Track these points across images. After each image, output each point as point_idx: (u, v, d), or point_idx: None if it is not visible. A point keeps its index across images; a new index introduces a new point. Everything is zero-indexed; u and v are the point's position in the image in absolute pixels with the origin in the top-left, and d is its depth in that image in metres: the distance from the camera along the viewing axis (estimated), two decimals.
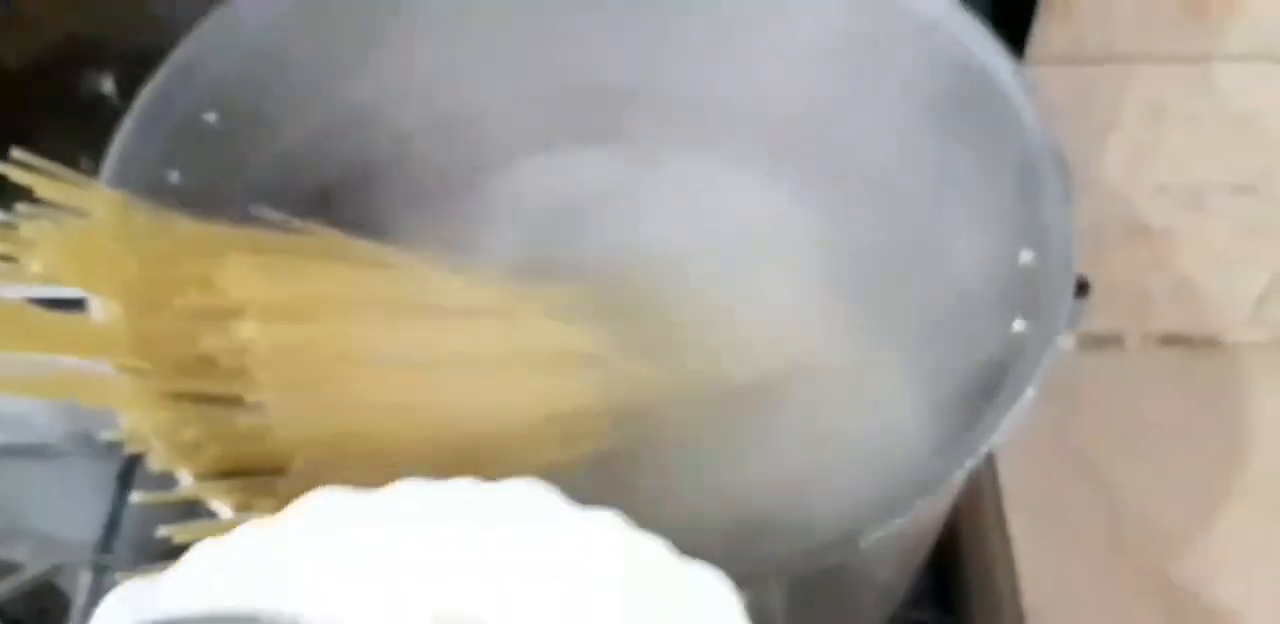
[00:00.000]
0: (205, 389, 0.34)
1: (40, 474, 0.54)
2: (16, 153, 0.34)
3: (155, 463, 0.32)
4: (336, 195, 0.47)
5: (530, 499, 0.27)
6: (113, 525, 0.52)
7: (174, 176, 0.41)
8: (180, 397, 0.34)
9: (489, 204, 0.51)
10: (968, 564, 0.50)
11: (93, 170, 0.39)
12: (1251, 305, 0.66)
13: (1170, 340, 0.68)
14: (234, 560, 0.27)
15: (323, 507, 0.28)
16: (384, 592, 0.26)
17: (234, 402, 0.35)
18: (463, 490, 0.27)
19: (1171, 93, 0.56)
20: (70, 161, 0.40)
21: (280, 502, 0.28)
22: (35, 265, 0.32)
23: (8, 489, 0.54)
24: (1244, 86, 0.55)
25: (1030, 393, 0.33)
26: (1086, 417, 0.65)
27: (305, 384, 0.36)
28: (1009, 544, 0.52)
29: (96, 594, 0.50)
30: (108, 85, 0.45)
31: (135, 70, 0.41)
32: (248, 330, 0.34)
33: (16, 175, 0.34)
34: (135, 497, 0.33)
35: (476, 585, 0.26)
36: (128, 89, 0.41)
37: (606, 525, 0.26)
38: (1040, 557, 0.57)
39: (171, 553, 0.50)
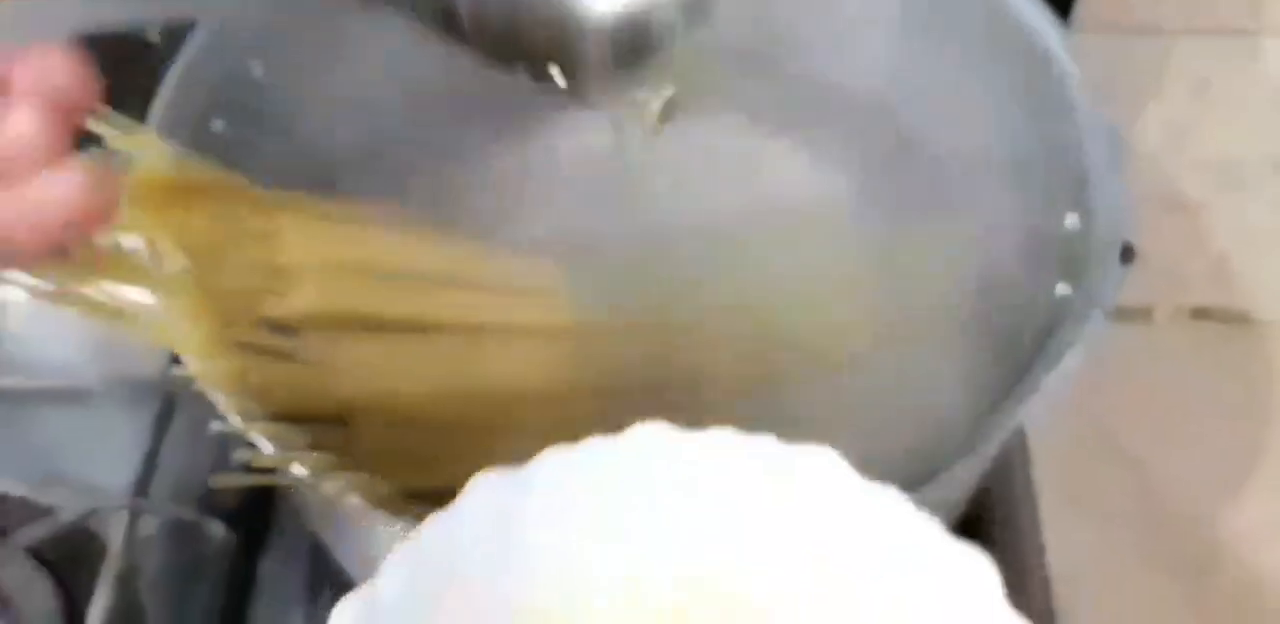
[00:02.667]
0: (264, 342, 0.34)
1: (75, 419, 0.55)
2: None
3: (225, 405, 0.32)
4: (377, 149, 0.48)
5: (822, 465, 0.25)
6: (148, 469, 0.52)
7: (218, 125, 0.41)
8: (243, 345, 0.34)
9: (517, 169, 0.51)
10: (995, 539, 0.50)
11: (138, 117, 0.39)
12: None
13: (1201, 315, 0.67)
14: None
15: (646, 438, 0.26)
16: (638, 545, 0.25)
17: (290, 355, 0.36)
18: (765, 445, 0.25)
19: (1215, 67, 0.55)
20: (118, 106, 0.40)
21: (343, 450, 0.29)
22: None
23: (43, 434, 0.55)
24: None
25: (1075, 355, 0.33)
26: (1114, 390, 0.65)
27: (352, 345, 0.37)
28: (1037, 519, 0.52)
29: (132, 539, 0.50)
30: (154, 34, 0.45)
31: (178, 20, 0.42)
32: (306, 297, 0.34)
33: (90, 125, 0.34)
34: (215, 425, 0.33)
35: (731, 550, 0.25)
36: (173, 38, 0.41)
37: (888, 500, 0.25)
38: (1067, 530, 0.57)
39: (208, 497, 0.52)
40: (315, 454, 0.33)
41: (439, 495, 0.28)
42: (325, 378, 0.36)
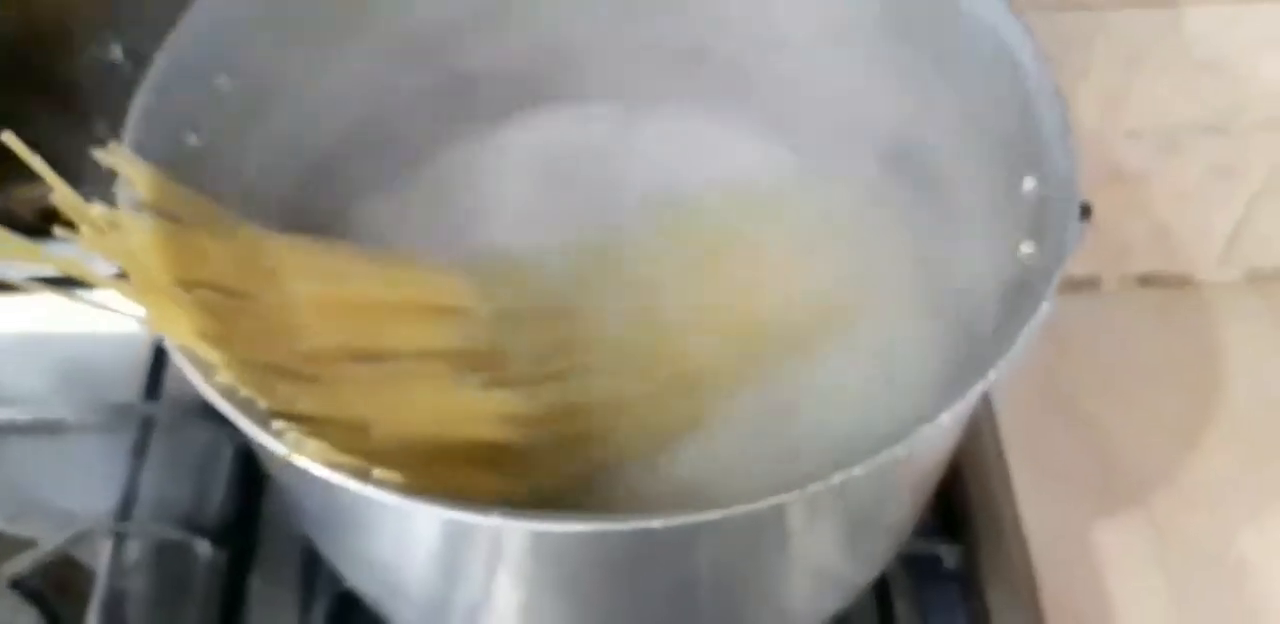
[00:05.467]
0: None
1: (50, 449, 0.54)
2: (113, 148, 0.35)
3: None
4: (341, 153, 0.48)
5: None
6: (130, 493, 0.52)
7: (193, 139, 0.41)
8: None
9: (484, 160, 0.52)
10: (971, 498, 0.52)
11: (107, 135, 0.39)
12: (1223, 244, 0.67)
13: (1147, 281, 0.70)
14: None
15: None
16: None
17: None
18: None
19: (1144, 39, 0.57)
20: (84, 128, 0.41)
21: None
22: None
23: (20, 466, 0.54)
24: (1212, 30, 0.57)
25: (1046, 306, 0.34)
26: (1069, 358, 0.67)
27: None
28: (1009, 478, 0.54)
29: (118, 564, 0.50)
30: (116, 53, 0.45)
31: (141, 38, 0.42)
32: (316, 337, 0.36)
33: (119, 167, 0.34)
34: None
35: None
36: (136, 57, 0.42)
37: None
38: (1033, 497, 0.58)
39: (192, 516, 0.51)
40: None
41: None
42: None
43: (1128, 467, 0.63)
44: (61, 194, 0.33)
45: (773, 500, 0.30)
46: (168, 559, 0.51)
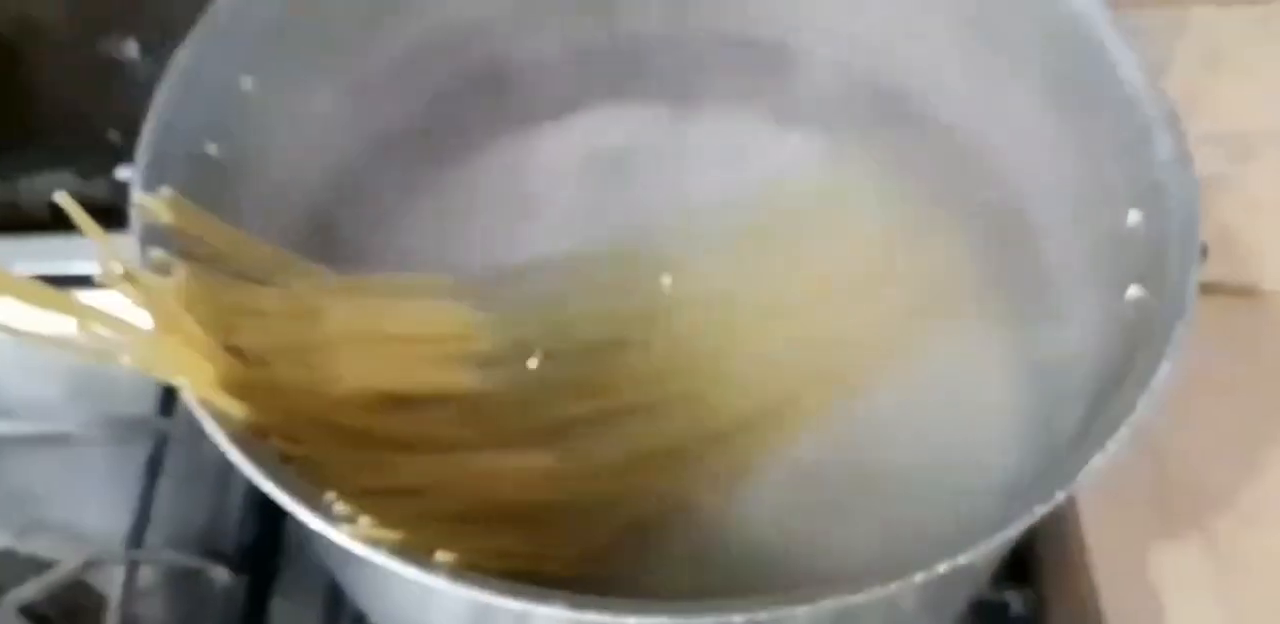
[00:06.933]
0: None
1: (61, 465, 0.51)
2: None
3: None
4: (374, 158, 0.45)
5: None
6: (143, 514, 0.49)
7: (212, 149, 0.38)
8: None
9: (524, 163, 0.49)
10: (1039, 542, 0.49)
11: (121, 142, 0.36)
12: None
13: (1211, 290, 0.66)
14: None
15: None
16: None
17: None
18: None
19: (1227, 37, 0.54)
20: (99, 134, 0.37)
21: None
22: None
23: (28, 481, 0.51)
24: None
25: (1166, 366, 0.31)
26: None
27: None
28: (1079, 522, 0.51)
29: (131, 590, 0.47)
30: (132, 51, 0.41)
31: (159, 36, 0.38)
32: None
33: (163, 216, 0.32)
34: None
35: None
36: (154, 55, 0.38)
37: None
38: (1085, 508, 0.56)
39: (210, 539, 0.49)
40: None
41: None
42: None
43: (1187, 485, 0.61)
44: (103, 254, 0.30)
45: (879, 590, 0.26)
46: (184, 584, 0.49)
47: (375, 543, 0.28)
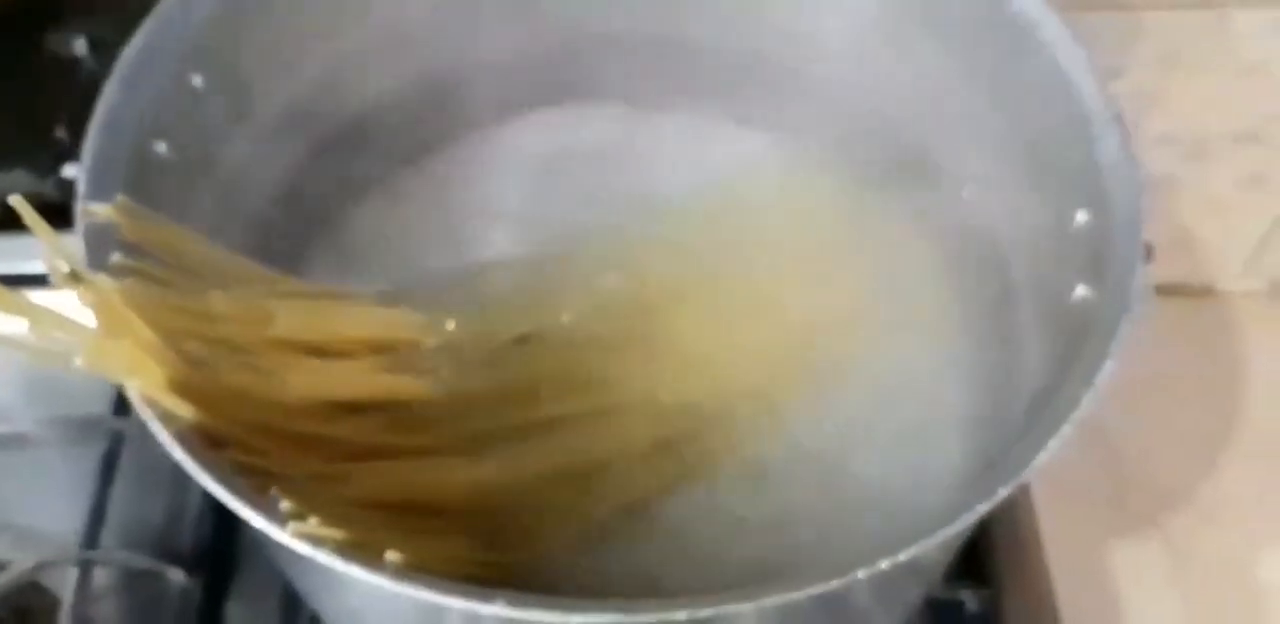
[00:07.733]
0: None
1: (16, 465, 0.51)
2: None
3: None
4: (327, 154, 0.45)
5: None
6: (97, 515, 0.48)
7: (161, 147, 0.37)
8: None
9: (485, 159, 0.49)
10: (996, 541, 0.49)
11: (69, 139, 0.36)
12: (1249, 254, 0.65)
13: (1168, 291, 0.67)
14: None
15: None
16: None
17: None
18: None
19: (1181, 41, 0.54)
20: (45, 131, 0.37)
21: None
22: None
23: None
24: (1254, 34, 0.54)
25: (1110, 364, 0.31)
26: None
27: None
28: (1035, 521, 0.51)
29: (85, 591, 0.47)
30: (80, 47, 0.41)
31: (106, 31, 0.38)
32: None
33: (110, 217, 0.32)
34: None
35: None
36: (102, 51, 0.38)
37: None
38: (1043, 505, 0.56)
39: (165, 541, 0.48)
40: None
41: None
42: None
43: (1144, 483, 0.61)
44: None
45: (821, 587, 0.27)
46: (138, 585, 0.48)
47: (319, 542, 0.28)
